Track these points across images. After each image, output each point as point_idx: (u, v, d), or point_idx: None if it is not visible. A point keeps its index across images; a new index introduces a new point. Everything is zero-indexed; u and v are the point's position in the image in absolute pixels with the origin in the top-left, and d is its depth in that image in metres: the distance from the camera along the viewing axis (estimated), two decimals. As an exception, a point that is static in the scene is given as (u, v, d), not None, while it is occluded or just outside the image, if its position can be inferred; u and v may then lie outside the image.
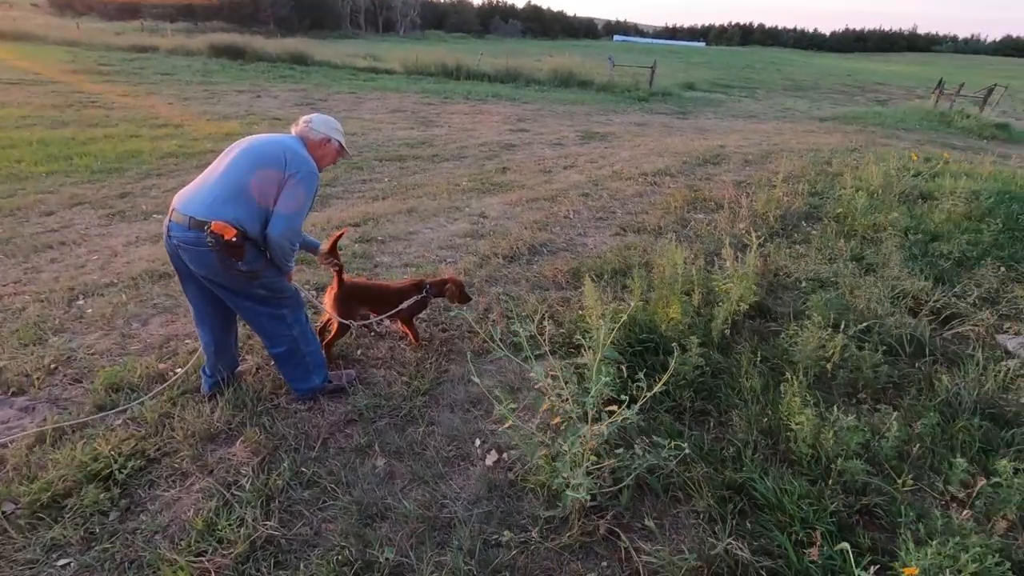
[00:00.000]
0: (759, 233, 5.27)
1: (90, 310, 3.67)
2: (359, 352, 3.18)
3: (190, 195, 2.32)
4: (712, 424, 2.66)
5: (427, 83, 18.61)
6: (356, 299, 3.01)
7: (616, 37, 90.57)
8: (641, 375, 2.83)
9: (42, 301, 3.80)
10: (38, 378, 2.86)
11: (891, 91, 26.06)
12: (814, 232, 5.41)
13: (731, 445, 2.49)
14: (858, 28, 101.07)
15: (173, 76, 16.99)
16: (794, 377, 2.76)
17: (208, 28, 35.84)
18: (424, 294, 3.15)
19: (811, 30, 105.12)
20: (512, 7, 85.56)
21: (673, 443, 2.23)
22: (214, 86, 15.49)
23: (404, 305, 3.07)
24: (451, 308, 3.61)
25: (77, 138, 8.98)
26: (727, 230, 5.30)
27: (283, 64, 21.13)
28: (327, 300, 2.97)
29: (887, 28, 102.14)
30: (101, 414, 2.53)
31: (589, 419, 2.00)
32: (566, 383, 2.15)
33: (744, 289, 3.61)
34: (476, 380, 1.97)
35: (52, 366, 2.98)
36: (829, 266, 4.57)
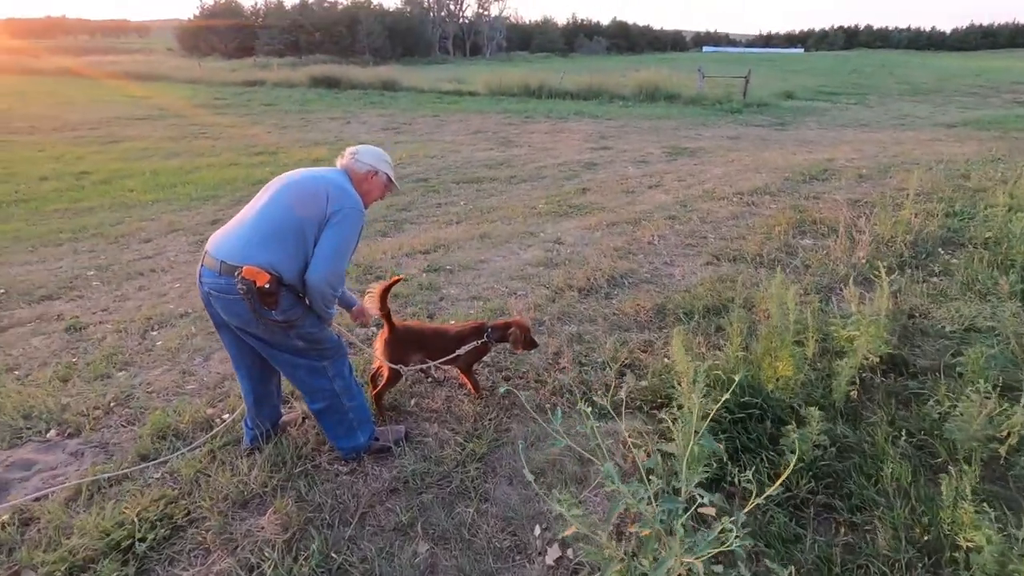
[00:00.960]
0: (886, 263, 4.47)
1: (160, 342, 3.66)
2: (412, 402, 2.87)
3: (223, 237, 2.13)
4: (842, 527, 2.06)
5: (509, 103, 18.65)
6: (409, 344, 2.71)
7: (705, 48, 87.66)
8: (744, 458, 2.30)
9: (120, 331, 3.86)
10: (95, 418, 2.80)
11: (1033, 91, 22.78)
12: (956, 262, 4.50)
13: (872, 562, 1.88)
14: (986, 23, 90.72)
15: (275, 106, 18.24)
16: (957, 467, 2.10)
17: (311, 61, 38.63)
18: (485, 339, 2.79)
19: (927, 28, 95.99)
20: (597, 24, 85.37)
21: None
22: (309, 114, 16.41)
23: (462, 351, 2.74)
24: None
25: (184, 167, 9.67)
26: (844, 260, 4.53)
27: (373, 91, 22.11)
28: (377, 345, 2.70)
29: (1022, 21, 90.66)
30: (141, 466, 2.39)
31: (677, 537, 1.52)
32: (649, 476, 1.69)
33: (873, 337, 2.93)
34: (529, 478, 1.55)
35: (112, 405, 2.93)
36: (981, 305, 3.71)
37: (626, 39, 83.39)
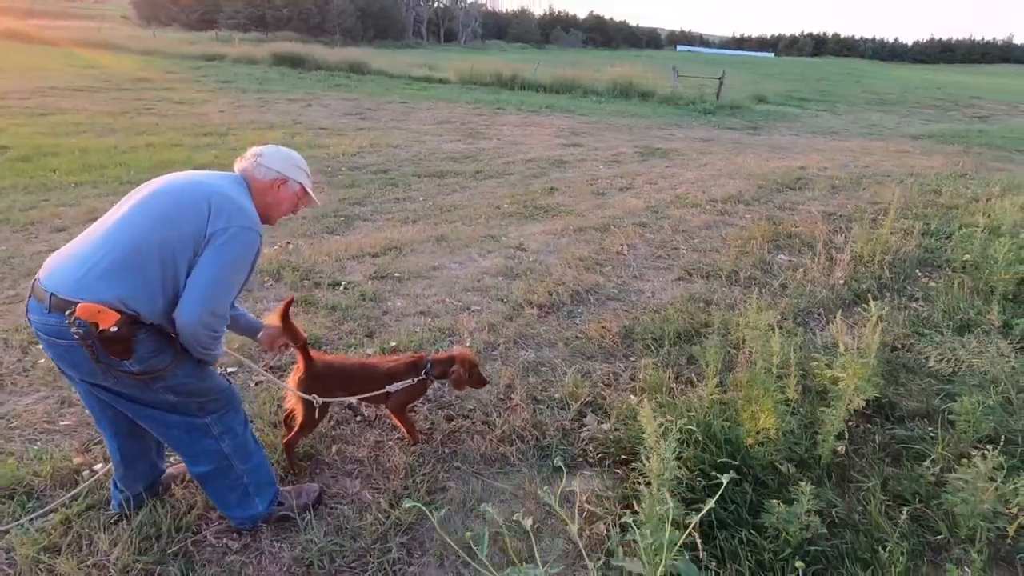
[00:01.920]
0: (865, 285, 4.21)
1: (43, 359, 3.09)
2: (334, 450, 2.41)
3: (60, 259, 1.62)
4: (836, 633, 1.72)
5: (480, 93, 18.07)
6: (330, 382, 2.24)
7: (680, 47, 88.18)
8: (721, 537, 1.91)
9: (2, 342, 3.27)
10: (-69, 464, 2.25)
11: (990, 106, 23.43)
12: (935, 286, 4.28)
13: None
14: (944, 38, 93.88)
15: (232, 84, 17.19)
16: (960, 546, 1.79)
17: (277, 37, 37.01)
18: (423, 376, 2.36)
19: (891, 40, 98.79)
20: (574, 17, 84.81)
21: None
22: (268, 94, 15.49)
23: (393, 388, 2.29)
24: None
25: (120, 147, 8.83)
26: (822, 280, 4.25)
27: (340, 73, 21.17)
28: (291, 383, 2.23)
29: (978, 38, 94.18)
30: (-33, 541, 1.87)
31: None
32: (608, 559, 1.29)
33: (861, 379, 2.62)
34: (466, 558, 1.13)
35: (-39, 444, 2.37)
36: (966, 339, 3.46)
37: (603, 33, 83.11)
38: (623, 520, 1.92)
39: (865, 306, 2.66)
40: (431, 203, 6.58)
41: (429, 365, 2.38)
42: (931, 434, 2.59)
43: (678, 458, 2.13)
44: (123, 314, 1.53)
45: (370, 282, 4.21)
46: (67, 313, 1.49)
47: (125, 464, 1.94)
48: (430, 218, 6.01)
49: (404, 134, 10.99)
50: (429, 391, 2.72)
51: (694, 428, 2.20)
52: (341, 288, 4.07)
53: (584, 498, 2.17)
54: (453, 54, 36.97)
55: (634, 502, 1.76)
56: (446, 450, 2.43)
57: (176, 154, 8.42)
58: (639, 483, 1.86)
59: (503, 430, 2.53)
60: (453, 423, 2.62)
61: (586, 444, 2.48)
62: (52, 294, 1.52)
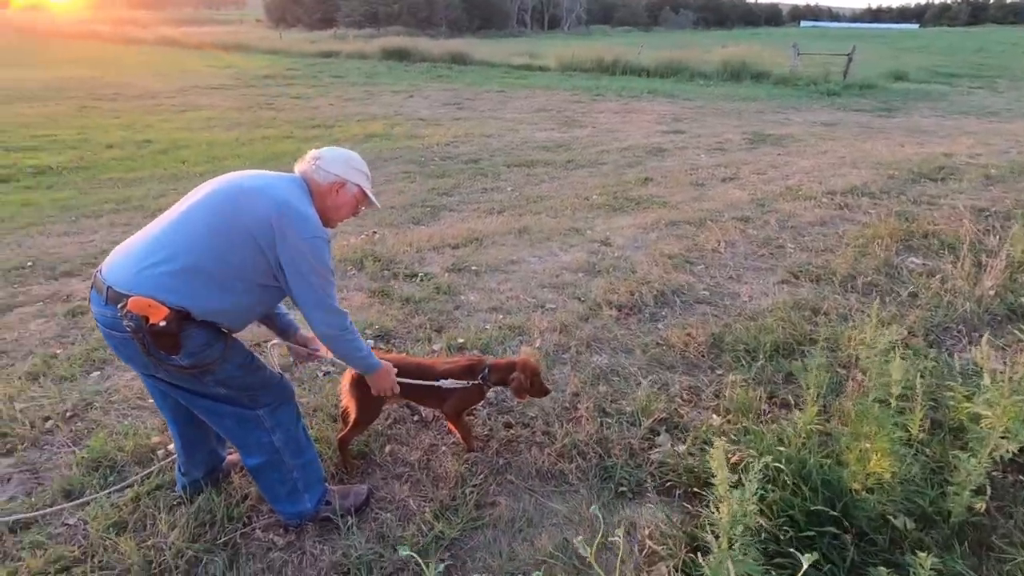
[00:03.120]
0: (1023, 298, 3.48)
1: (148, 338, 3.36)
2: (387, 450, 2.35)
3: (121, 254, 1.66)
4: None
5: (580, 79, 17.64)
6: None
7: (804, 23, 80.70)
8: None
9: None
10: (41, 432, 2.49)
11: None
12: (1123, 302, 3.43)
13: None
14: None
15: (343, 78, 18.19)
16: None
17: (388, 32, 38.71)
18: (480, 381, 2.22)
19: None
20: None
21: None
22: (375, 87, 16.19)
23: (447, 385, 2.17)
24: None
25: (240, 139, 9.62)
26: (966, 291, 3.56)
27: (442, 64, 21.67)
28: (344, 383, 2.19)
29: None
30: (53, 508, 2.02)
31: None
32: None
33: (1014, 420, 2.10)
34: None
35: (67, 415, 2.62)
36: None
37: (715, 12, 78.16)
38: (688, 568, 1.67)
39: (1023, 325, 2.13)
40: (518, 193, 6.45)
41: (487, 370, 2.24)
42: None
43: (761, 500, 1.82)
44: (172, 310, 1.54)
45: (447, 274, 4.16)
46: (119, 306, 1.52)
47: (186, 451, 2.00)
48: (515, 209, 5.88)
49: (499, 123, 10.96)
50: (492, 395, 2.59)
51: (782, 465, 1.87)
52: (417, 280, 4.06)
53: (647, 532, 1.93)
54: (556, 41, 36.53)
55: (698, 552, 1.50)
56: (501, 461, 2.29)
57: (287, 145, 9.00)
58: (708, 528, 1.58)
59: (563, 444, 2.34)
60: (511, 431, 2.46)
61: (655, 468, 2.22)
62: (109, 287, 1.56)
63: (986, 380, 2.20)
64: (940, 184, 6.29)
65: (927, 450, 2.21)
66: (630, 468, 2.23)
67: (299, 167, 1.89)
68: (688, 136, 9.58)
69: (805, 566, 1.22)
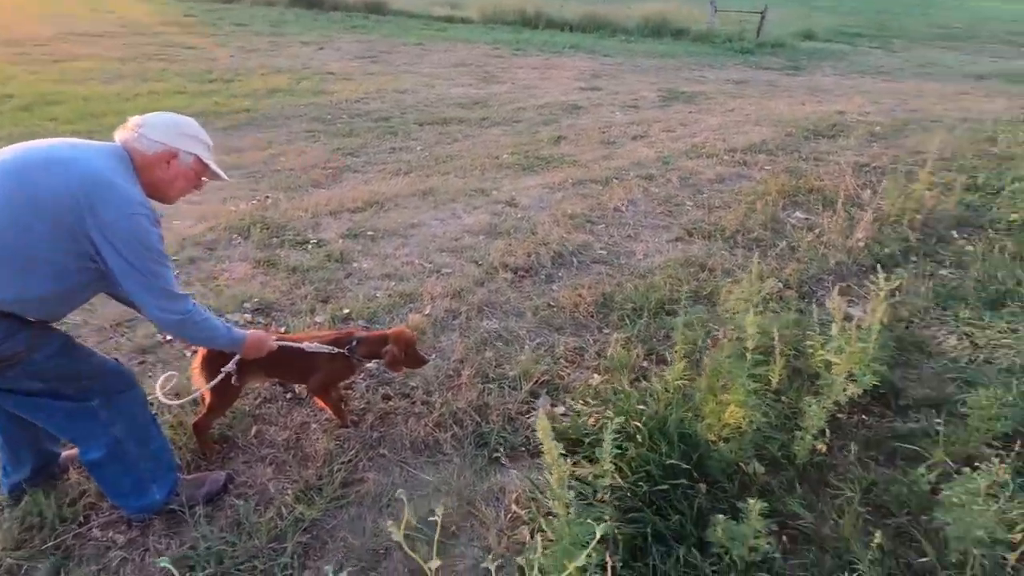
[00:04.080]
0: (888, 249, 3.74)
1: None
2: (253, 432, 2.23)
3: None
4: None
5: (502, 32, 17.11)
6: (242, 360, 2.03)
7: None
8: (656, 552, 1.63)
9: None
10: None
11: (1074, 40, 20.95)
12: (972, 249, 3.76)
13: None
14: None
15: (247, 27, 16.70)
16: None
17: (299, -23, 35.76)
18: (348, 354, 2.12)
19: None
20: (613, -52, 79.24)
21: None
22: (282, 37, 14.99)
23: (310, 348, 2.05)
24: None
25: (123, 93, 8.66)
26: (839, 243, 3.78)
27: (358, 14, 20.35)
28: (194, 365, 2.02)
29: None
30: None
31: None
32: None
33: (859, 366, 2.26)
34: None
35: None
36: (992, 315, 3.01)
37: (643, -34, 77.62)
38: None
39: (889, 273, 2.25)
40: (428, 153, 6.22)
41: (355, 343, 2.14)
42: (937, 429, 2.24)
43: (621, 458, 1.86)
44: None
45: (341, 241, 3.96)
46: None
47: (9, 448, 1.80)
48: (423, 169, 5.67)
49: (414, 78, 10.47)
50: (373, 367, 2.50)
51: (640, 424, 1.91)
52: (308, 247, 3.85)
53: (514, 496, 1.94)
54: (481, -9, 35.06)
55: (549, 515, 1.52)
56: (375, 435, 2.22)
57: (177, 102, 8.19)
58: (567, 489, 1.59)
59: (441, 413, 2.30)
60: (390, 403, 2.40)
61: (531, 432, 2.23)
62: None
63: (835, 329, 2.34)
64: (831, 140, 6.62)
65: (783, 398, 2.35)
66: (507, 433, 2.23)
67: (119, 135, 1.66)
68: (605, 93, 9.55)
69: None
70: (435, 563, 1.01)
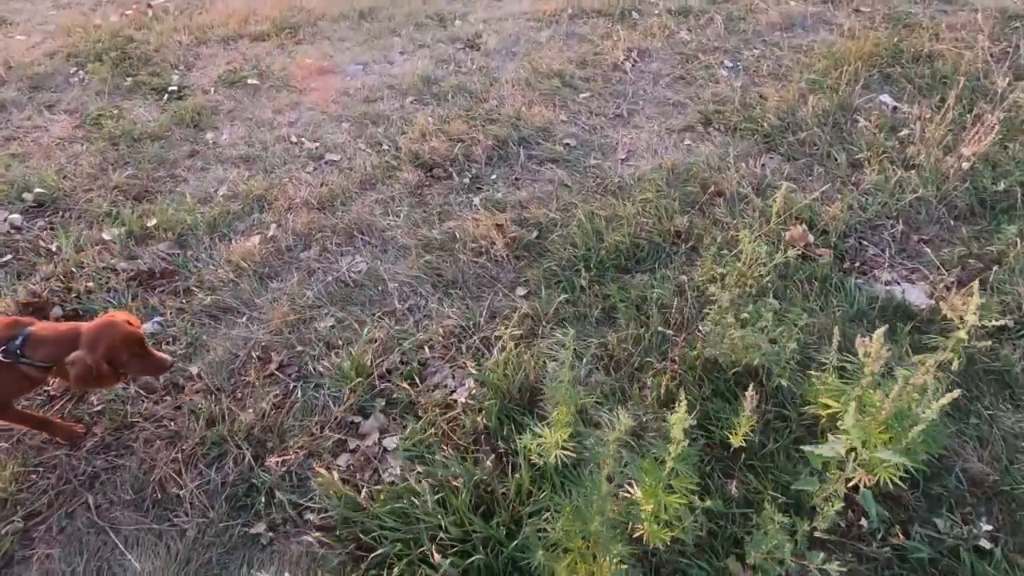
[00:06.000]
0: (1006, 182, 2.46)
1: None
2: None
3: None
4: None
5: None
6: None
7: None
8: None
9: None
10: None
11: None
12: None
13: None
14: None
15: None
16: None
17: None
18: (8, 359, 1.28)
19: None
20: None
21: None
22: None
23: None
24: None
25: None
26: (929, 162, 2.46)
27: None
28: None
29: None
30: None
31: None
32: None
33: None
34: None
35: None
36: None
37: None
38: None
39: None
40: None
41: (24, 340, 1.29)
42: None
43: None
44: None
45: (211, 90, 2.85)
46: None
47: None
48: (377, -25, 4.13)
49: None
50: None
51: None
52: (163, 97, 2.78)
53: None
54: None
55: None
56: (93, 466, 1.48)
57: None
58: None
59: (204, 437, 1.51)
60: (148, 401, 1.61)
61: (317, 497, 1.44)
62: None
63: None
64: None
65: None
66: (289, 488, 1.45)
67: None
68: None
69: None
70: None
